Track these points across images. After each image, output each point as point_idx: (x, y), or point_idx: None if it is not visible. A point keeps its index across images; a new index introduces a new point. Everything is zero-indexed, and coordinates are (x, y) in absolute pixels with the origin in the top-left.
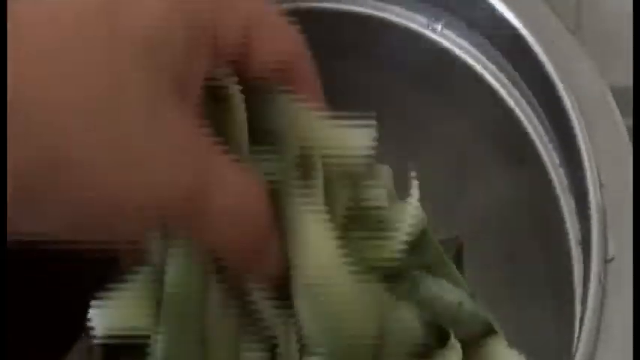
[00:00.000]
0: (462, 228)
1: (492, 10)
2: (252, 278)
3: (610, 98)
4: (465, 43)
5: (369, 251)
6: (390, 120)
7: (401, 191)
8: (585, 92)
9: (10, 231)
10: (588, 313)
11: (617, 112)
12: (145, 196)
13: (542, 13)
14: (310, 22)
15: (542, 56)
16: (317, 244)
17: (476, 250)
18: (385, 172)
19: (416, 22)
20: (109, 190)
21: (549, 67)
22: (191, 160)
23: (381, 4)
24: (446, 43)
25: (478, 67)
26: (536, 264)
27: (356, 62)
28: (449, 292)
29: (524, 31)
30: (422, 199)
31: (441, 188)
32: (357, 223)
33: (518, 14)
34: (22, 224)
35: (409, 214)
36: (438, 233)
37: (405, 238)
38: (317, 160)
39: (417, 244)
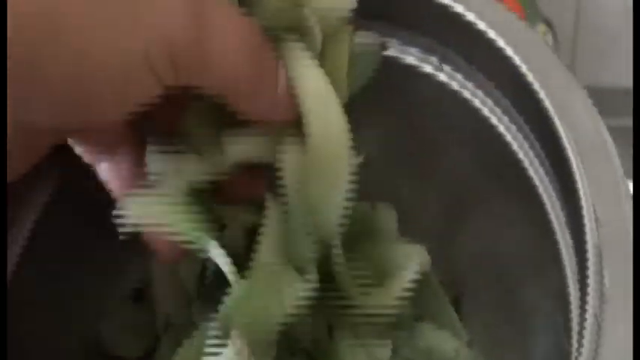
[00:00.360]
0: (461, 264)
1: (491, 46)
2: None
3: (606, 135)
4: (463, 79)
5: (369, 298)
6: (389, 155)
7: (402, 225)
8: (582, 128)
9: (14, 122)
10: (584, 350)
11: (613, 149)
12: (152, 39)
13: (541, 50)
14: None
15: (540, 92)
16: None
17: (475, 285)
18: (388, 212)
19: (415, 57)
20: (113, 42)
21: (547, 104)
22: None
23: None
24: (445, 79)
25: (476, 102)
26: (534, 299)
27: (363, 100)
28: (446, 342)
29: (522, 68)
30: (422, 235)
31: (441, 224)
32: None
33: (517, 51)
34: (27, 109)
35: (414, 261)
36: (438, 272)
37: (407, 285)
38: (310, 16)
39: (419, 287)
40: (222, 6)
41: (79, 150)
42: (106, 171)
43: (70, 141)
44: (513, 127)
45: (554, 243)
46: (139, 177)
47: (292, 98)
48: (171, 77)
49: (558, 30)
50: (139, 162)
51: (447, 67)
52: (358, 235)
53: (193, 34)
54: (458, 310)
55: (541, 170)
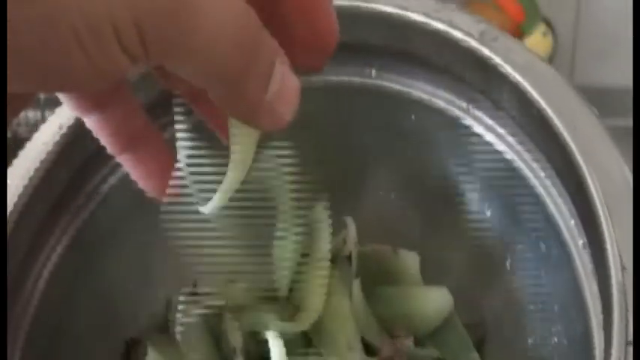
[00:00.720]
0: (485, 307)
1: (519, 91)
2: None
3: (632, 182)
4: (491, 123)
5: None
6: (413, 197)
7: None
8: (608, 175)
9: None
10: None
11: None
12: (115, 3)
13: (568, 96)
14: (336, 95)
15: (566, 137)
16: None
17: (498, 329)
18: (411, 257)
19: (444, 100)
20: (78, 5)
21: (573, 149)
22: None
23: (408, 81)
24: (473, 123)
25: (503, 147)
26: (558, 345)
27: (385, 138)
28: None
29: (549, 114)
30: (448, 281)
31: (465, 269)
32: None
33: (545, 97)
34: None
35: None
36: (462, 314)
37: (429, 330)
38: None
39: (443, 327)
40: None
41: (66, 103)
42: (95, 126)
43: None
44: (540, 172)
45: (579, 289)
46: (131, 132)
47: (285, 106)
48: (141, 53)
49: (558, 30)
50: (130, 116)
51: (473, 110)
52: (380, 279)
53: (169, 6)
54: (481, 353)
55: (567, 215)
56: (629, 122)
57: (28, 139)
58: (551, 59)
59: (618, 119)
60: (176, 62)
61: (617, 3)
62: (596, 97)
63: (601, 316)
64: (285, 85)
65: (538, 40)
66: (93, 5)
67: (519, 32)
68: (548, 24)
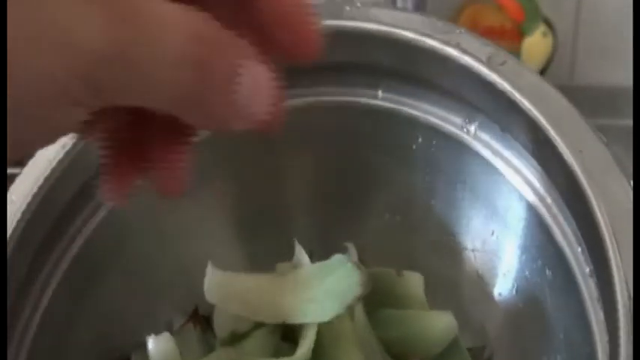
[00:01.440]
0: (489, 331)
1: (526, 116)
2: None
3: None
4: (498, 147)
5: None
6: (415, 217)
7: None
8: (614, 202)
9: None
10: None
11: None
12: (67, 57)
13: (576, 121)
14: (342, 115)
15: (574, 165)
16: None
17: (503, 356)
18: (416, 279)
19: (450, 123)
20: (19, 59)
21: (580, 177)
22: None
23: (414, 103)
24: (479, 146)
25: (509, 171)
26: None
27: (390, 159)
28: None
29: (556, 139)
30: (451, 304)
31: (469, 293)
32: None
33: (551, 122)
34: None
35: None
36: (466, 338)
37: (433, 354)
38: None
39: (447, 351)
40: (155, 6)
41: None
42: None
43: None
44: (547, 198)
45: (585, 316)
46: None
47: (259, 106)
48: (94, 102)
49: (558, 30)
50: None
51: (480, 134)
52: (384, 301)
53: (114, 49)
54: None
55: (574, 242)
56: (629, 122)
57: None
58: (551, 59)
59: (618, 119)
60: (134, 99)
61: (617, 3)
62: (596, 97)
63: (607, 345)
64: (257, 84)
65: (538, 40)
66: (37, 66)
67: (519, 32)
68: (548, 24)
